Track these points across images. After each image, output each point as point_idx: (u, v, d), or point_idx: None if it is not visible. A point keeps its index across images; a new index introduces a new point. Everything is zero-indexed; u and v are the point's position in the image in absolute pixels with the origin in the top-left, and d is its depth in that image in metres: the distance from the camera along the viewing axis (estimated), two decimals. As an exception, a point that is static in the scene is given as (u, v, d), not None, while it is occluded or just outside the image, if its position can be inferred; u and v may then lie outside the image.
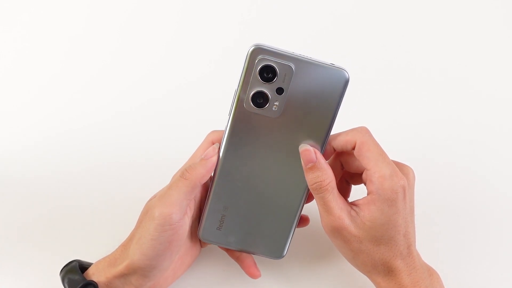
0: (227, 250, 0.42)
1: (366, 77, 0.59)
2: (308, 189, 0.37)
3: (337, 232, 0.35)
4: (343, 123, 0.54)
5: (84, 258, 0.38)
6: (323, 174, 0.35)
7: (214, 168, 0.36)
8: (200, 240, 0.40)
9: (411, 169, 0.37)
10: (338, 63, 0.33)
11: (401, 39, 0.63)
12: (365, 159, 0.35)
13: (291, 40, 0.61)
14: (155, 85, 0.56)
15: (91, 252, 0.43)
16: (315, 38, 0.62)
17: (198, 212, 0.38)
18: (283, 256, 0.40)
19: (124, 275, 0.35)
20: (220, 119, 0.53)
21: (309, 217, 0.43)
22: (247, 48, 0.33)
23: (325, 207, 0.35)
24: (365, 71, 0.59)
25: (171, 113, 0.54)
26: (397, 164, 0.37)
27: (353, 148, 0.36)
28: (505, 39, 0.64)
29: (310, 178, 0.35)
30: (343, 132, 0.37)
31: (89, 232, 0.45)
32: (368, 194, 0.35)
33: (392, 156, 0.36)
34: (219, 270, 0.43)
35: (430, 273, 0.37)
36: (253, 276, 0.41)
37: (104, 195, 0.48)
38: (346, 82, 0.34)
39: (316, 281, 0.43)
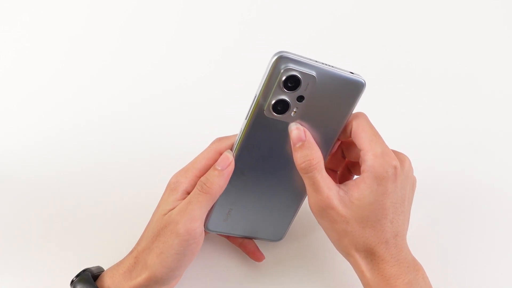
0: (228, 236, 0.43)
1: (366, 77, 0.59)
2: None
3: (324, 211, 0.35)
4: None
5: (86, 257, 0.38)
6: (312, 153, 0.35)
7: (230, 177, 0.36)
8: None
9: (408, 158, 0.37)
10: (357, 71, 0.35)
11: (401, 39, 0.63)
12: (360, 140, 0.35)
13: (291, 40, 0.61)
14: (155, 85, 0.56)
15: (92, 252, 0.43)
16: (315, 38, 0.62)
17: None
18: (282, 239, 0.42)
19: (142, 287, 0.35)
20: (220, 119, 0.53)
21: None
22: (271, 55, 0.32)
23: (313, 187, 0.35)
24: (365, 71, 0.59)
25: (171, 113, 0.54)
26: (394, 151, 0.37)
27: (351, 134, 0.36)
28: (506, 39, 0.64)
29: (299, 157, 0.35)
30: None
31: (90, 232, 0.45)
32: (360, 175, 0.35)
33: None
34: (219, 270, 0.43)
35: (416, 268, 0.36)
36: (258, 259, 0.43)
37: (104, 195, 0.48)
38: (362, 89, 0.35)
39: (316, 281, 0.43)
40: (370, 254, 0.35)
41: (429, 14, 0.66)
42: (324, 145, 0.36)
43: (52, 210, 0.46)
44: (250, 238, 0.43)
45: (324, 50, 0.60)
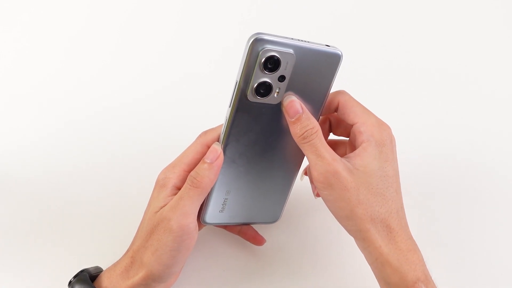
0: (225, 226, 0.43)
1: (366, 77, 0.59)
2: (303, 156, 0.38)
3: (332, 178, 0.33)
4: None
5: (86, 257, 0.38)
6: (312, 122, 0.34)
7: (220, 169, 0.36)
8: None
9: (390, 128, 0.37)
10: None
11: (401, 39, 0.63)
12: (352, 114, 0.36)
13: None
14: (155, 85, 0.56)
15: (93, 251, 0.43)
16: (315, 38, 0.62)
17: None
18: (278, 219, 0.42)
19: (141, 285, 0.35)
20: (221, 118, 0.53)
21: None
22: (247, 38, 0.32)
23: (316, 153, 0.34)
24: (365, 71, 0.59)
25: (171, 113, 0.54)
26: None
27: (336, 110, 0.37)
28: (505, 39, 0.64)
29: (299, 128, 0.34)
30: None
31: (88, 231, 0.45)
32: (358, 147, 0.35)
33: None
34: (219, 270, 0.43)
35: (418, 251, 0.35)
36: (259, 243, 0.42)
37: (102, 194, 0.48)
38: (339, 61, 0.34)
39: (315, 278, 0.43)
40: (385, 226, 0.34)
41: (429, 14, 0.66)
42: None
43: (50, 210, 0.46)
44: (248, 224, 0.42)
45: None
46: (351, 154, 0.35)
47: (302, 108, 0.34)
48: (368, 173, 0.34)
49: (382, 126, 0.35)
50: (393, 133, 0.36)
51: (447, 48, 0.63)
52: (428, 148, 0.54)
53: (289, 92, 0.34)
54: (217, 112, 0.54)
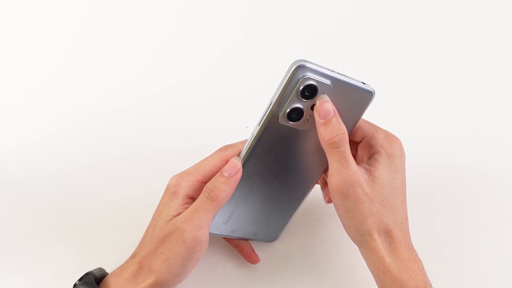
0: (225, 238, 0.44)
1: (366, 77, 0.59)
2: (315, 182, 0.39)
3: (352, 188, 0.34)
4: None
5: (88, 258, 0.38)
6: (342, 127, 0.34)
7: (237, 183, 0.36)
8: None
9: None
10: (368, 82, 0.35)
11: (401, 39, 0.63)
12: (359, 131, 0.37)
13: (291, 40, 0.61)
14: (154, 84, 0.56)
15: (96, 252, 0.43)
16: (316, 38, 0.62)
17: None
18: (276, 240, 0.43)
19: None
20: (220, 118, 0.53)
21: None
22: (290, 63, 0.32)
23: (343, 162, 0.34)
24: (365, 71, 0.59)
25: (171, 113, 0.54)
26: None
27: None
28: (505, 40, 0.64)
29: (330, 130, 0.33)
30: None
31: (91, 232, 0.45)
32: (370, 159, 0.36)
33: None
34: (219, 270, 0.43)
35: (418, 257, 0.36)
36: (253, 261, 0.43)
37: (105, 194, 0.48)
38: (371, 99, 0.36)
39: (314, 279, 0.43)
40: (389, 237, 0.35)
41: (429, 14, 0.66)
42: None
43: (51, 210, 0.46)
44: (247, 240, 0.43)
45: (324, 50, 0.60)
46: (365, 165, 0.36)
47: (334, 111, 0.34)
48: (382, 185, 0.35)
49: (392, 138, 0.37)
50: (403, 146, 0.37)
51: (447, 48, 0.63)
52: (428, 147, 0.54)
53: (309, 128, 0.35)
54: (217, 113, 0.54)
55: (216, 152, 0.38)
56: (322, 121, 0.33)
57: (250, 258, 0.43)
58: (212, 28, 0.62)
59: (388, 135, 0.37)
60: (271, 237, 0.43)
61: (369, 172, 0.35)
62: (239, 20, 0.63)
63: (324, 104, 0.33)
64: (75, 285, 0.36)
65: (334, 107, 0.34)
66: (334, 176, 0.34)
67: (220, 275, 0.43)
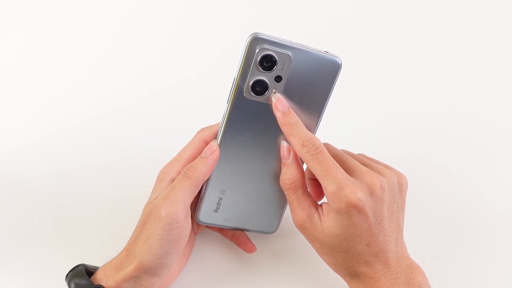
0: (220, 230, 0.43)
1: (366, 77, 0.59)
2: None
3: (301, 229, 0.37)
4: (344, 122, 0.54)
5: (86, 256, 0.38)
6: (289, 173, 0.36)
7: (215, 165, 0.36)
8: (193, 228, 0.41)
9: (388, 174, 0.36)
10: (332, 50, 0.35)
11: (401, 39, 0.63)
12: (316, 176, 0.35)
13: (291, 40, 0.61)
14: (154, 84, 0.56)
15: (93, 252, 0.43)
16: (315, 38, 0.62)
17: (195, 199, 0.39)
18: (275, 231, 0.42)
19: (133, 277, 0.35)
20: (220, 118, 0.53)
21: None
22: (246, 37, 0.33)
23: (290, 206, 0.37)
24: (365, 71, 0.59)
25: (171, 112, 0.54)
26: (378, 168, 0.37)
27: None
28: (505, 39, 0.64)
29: (281, 173, 0.37)
30: None
31: (90, 231, 0.45)
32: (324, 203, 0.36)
33: (390, 155, 0.36)
34: (219, 270, 0.43)
35: (410, 276, 0.35)
36: (250, 250, 0.42)
37: (103, 193, 0.48)
38: (339, 69, 0.35)
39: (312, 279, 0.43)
40: (351, 272, 0.35)
41: (429, 14, 0.66)
42: (310, 124, 0.37)
43: (53, 210, 0.46)
44: (243, 230, 0.42)
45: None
46: (325, 207, 0.35)
47: (289, 156, 0.36)
48: (331, 236, 0.35)
49: (342, 193, 0.33)
50: (358, 195, 0.33)
51: (447, 48, 0.63)
52: (428, 148, 0.54)
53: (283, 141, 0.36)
54: (217, 113, 0.54)
55: (195, 135, 0.39)
56: (283, 160, 0.37)
57: (246, 247, 0.42)
58: (212, 28, 0.62)
59: (339, 189, 0.33)
60: (268, 227, 0.42)
61: (323, 218, 0.35)
62: (239, 20, 0.63)
63: (282, 148, 0.37)
64: (67, 275, 0.36)
65: (292, 151, 0.36)
66: (291, 212, 0.37)
67: (220, 275, 0.43)
